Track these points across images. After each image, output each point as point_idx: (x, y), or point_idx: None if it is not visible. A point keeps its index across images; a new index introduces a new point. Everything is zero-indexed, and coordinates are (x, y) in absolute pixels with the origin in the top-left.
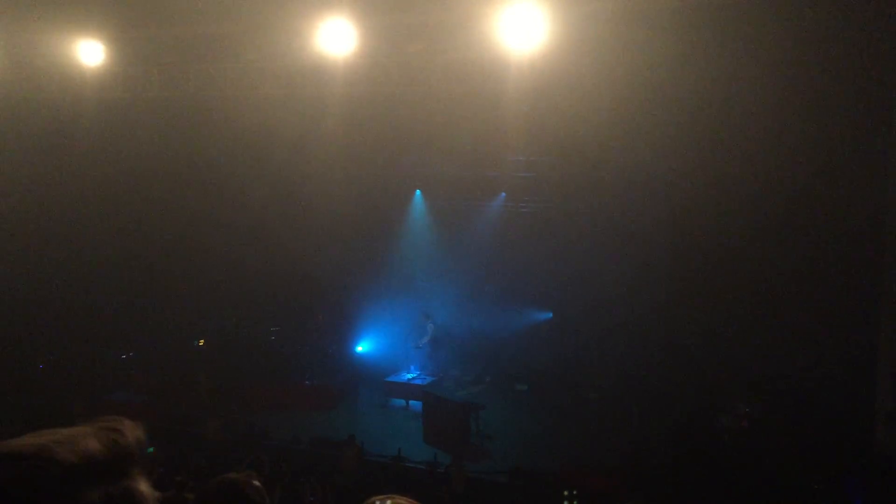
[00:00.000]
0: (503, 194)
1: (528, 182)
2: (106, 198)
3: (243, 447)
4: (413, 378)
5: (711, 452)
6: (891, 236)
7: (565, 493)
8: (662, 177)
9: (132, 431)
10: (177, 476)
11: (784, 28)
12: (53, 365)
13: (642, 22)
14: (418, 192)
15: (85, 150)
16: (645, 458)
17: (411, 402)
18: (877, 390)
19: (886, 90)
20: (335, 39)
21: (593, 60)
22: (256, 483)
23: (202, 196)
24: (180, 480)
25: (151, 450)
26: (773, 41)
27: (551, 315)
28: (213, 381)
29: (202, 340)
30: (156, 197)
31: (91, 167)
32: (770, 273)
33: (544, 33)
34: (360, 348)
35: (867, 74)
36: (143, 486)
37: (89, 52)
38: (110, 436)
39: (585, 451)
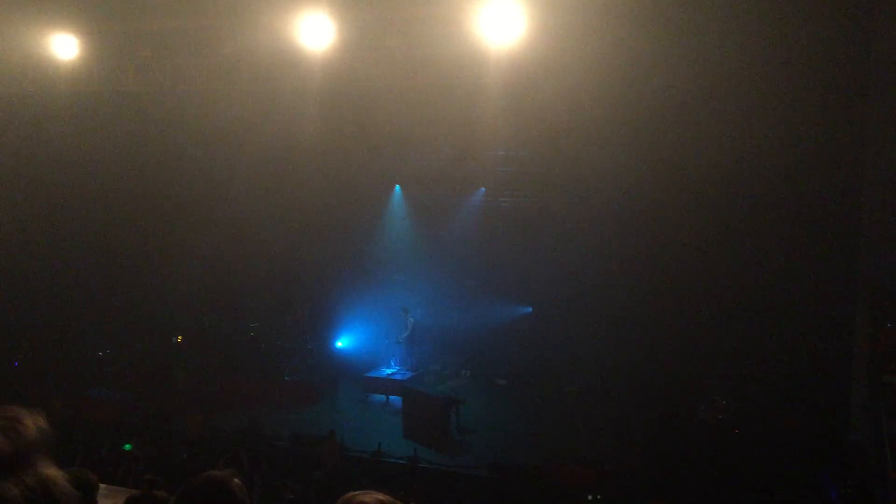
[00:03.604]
0: (483, 189)
1: (507, 176)
2: (81, 192)
3: (222, 443)
4: (393, 373)
5: (689, 444)
6: (866, 233)
7: (589, 497)
8: (642, 171)
9: (32, 421)
10: (146, 474)
11: (763, 22)
12: (29, 361)
13: (622, 17)
14: (398, 186)
15: (59, 144)
16: (624, 451)
17: (391, 397)
18: (851, 383)
19: (861, 87)
20: (313, 33)
21: (572, 55)
22: (237, 480)
23: (179, 191)
24: (149, 478)
25: (129, 447)
26: (751, 35)
27: (531, 310)
28: (190, 377)
29: (180, 336)
30: (132, 191)
31: (65, 161)
32: (748, 268)
33: (523, 27)
34: (339, 344)
35: (841, 72)
36: (52, 472)
37: (63, 46)
38: (10, 428)
39: (565, 444)
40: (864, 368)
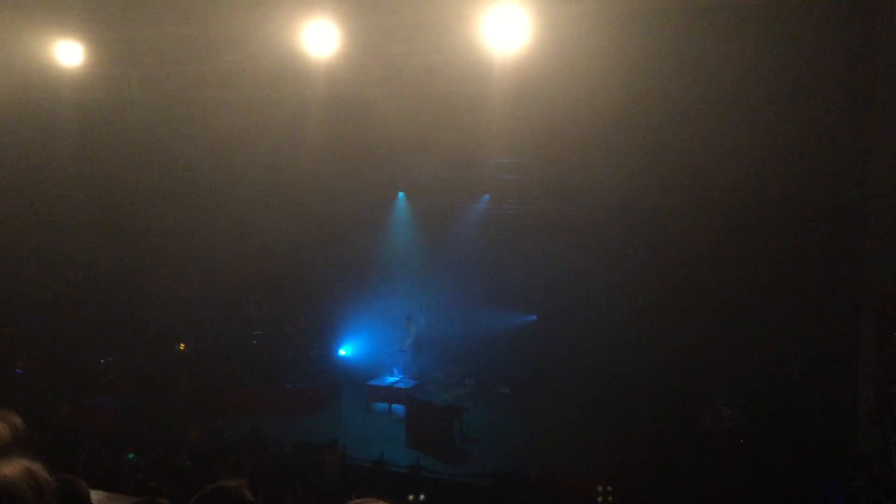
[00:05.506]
0: (487, 196)
1: (511, 184)
2: (85, 200)
3: (224, 451)
4: (396, 381)
5: (694, 454)
6: (872, 238)
7: (599, 488)
8: (646, 178)
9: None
10: (151, 482)
11: (766, 27)
12: (32, 369)
13: (626, 24)
14: (401, 194)
15: (64, 152)
16: (628, 460)
17: (394, 405)
18: (858, 391)
19: (867, 90)
20: (318, 40)
21: (577, 62)
22: (246, 491)
23: (183, 199)
24: (154, 485)
25: (132, 455)
26: (756, 41)
27: (535, 318)
28: (193, 385)
29: (183, 345)
30: (136, 199)
31: (70, 168)
32: (752, 275)
33: (528, 34)
34: (342, 352)
35: (847, 75)
36: (11, 470)
37: (68, 53)
38: None
39: (569, 453)
40: (871, 378)
